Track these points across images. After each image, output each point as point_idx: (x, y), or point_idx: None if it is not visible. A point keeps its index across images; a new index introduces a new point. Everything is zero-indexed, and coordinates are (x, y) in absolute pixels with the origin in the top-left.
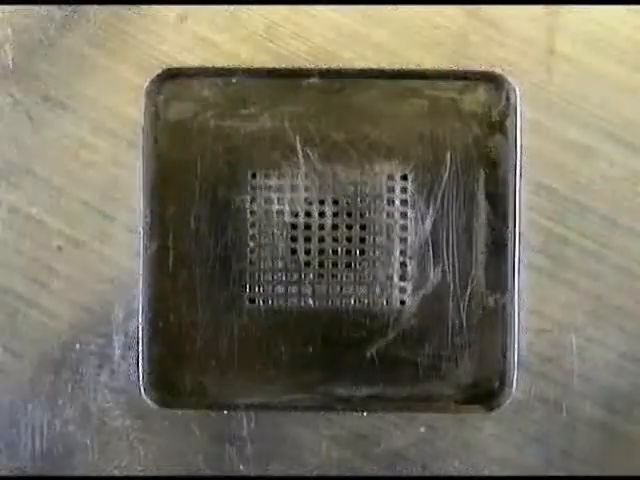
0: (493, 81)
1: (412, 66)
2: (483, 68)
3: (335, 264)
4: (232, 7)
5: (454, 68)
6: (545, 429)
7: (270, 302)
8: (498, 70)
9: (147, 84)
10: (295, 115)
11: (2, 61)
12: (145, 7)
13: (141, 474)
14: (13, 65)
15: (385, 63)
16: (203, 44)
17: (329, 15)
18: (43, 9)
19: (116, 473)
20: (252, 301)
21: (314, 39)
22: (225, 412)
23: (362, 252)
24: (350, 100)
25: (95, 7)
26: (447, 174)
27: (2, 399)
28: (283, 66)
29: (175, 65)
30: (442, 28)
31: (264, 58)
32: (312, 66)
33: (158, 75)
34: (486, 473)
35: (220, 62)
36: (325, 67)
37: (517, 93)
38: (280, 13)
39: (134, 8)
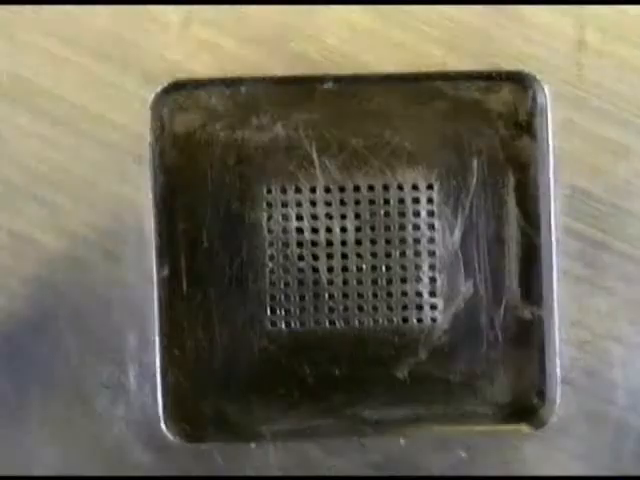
0: (520, 79)
1: (434, 66)
2: (509, 66)
3: (360, 281)
4: (239, 8)
5: (478, 68)
6: (590, 446)
7: (293, 324)
8: (525, 68)
9: (152, 97)
10: (310, 123)
11: None
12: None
13: None
14: (8, 81)
15: (405, 64)
16: (210, 50)
17: (344, 14)
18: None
19: None
20: (273, 324)
21: (328, 40)
22: (250, 443)
23: (388, 268)
24: (369, 105)
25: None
26: (475, 181)
27: (7, 434)
28: (296, 71)
29: (180, 74)
30: (464, 24)
31: (275, 63)
32: (327, 70)
33: (163, 87)
34: None
35: (228, 68)
36: (341, 73)
37: (546, 91)
38: (291, 13)
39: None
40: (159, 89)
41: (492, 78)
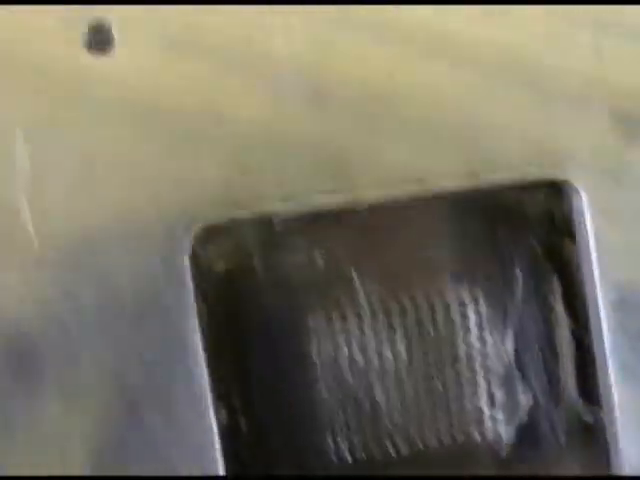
0: (555, 185)
1: (466, 182)
2: (543, 171)
3: (418, 404)
4: (265, 140)
5: (511, 176)
6: None
7: (358, 455)
8: (558, 174)
9: (187, 243)
10: (348, 249)
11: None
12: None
13: None
14: (35, 231)
15: (436, 182)
16: (238, 189)
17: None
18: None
19: None
20: (339, 457)
21: (359, 178)
22: None
23: (445, 387)
24: (404, 225)
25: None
26: (520, 290)
27: None
28: (325, 202)
29: (212, 217)
30: (493, 133)
31: (309, 193)
32: (356, 199)
33: (196, 232)
34: None
35: (260, 205)
36: (372, 199)
37: (582, 194)
38: (317, 147)
39: None
40: (192, 235)
41: (526, 187)
